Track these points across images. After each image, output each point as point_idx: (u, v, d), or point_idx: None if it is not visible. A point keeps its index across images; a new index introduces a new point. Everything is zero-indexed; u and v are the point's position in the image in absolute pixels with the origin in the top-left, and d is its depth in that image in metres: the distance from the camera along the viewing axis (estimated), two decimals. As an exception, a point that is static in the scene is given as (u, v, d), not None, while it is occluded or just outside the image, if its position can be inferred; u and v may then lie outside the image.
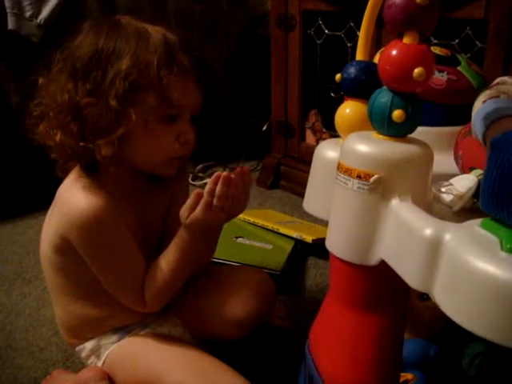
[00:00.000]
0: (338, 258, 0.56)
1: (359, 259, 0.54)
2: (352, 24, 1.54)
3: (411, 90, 0.51)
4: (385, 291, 0.55)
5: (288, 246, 1.32)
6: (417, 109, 0.52)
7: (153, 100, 0.76)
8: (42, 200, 0.93)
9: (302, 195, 1.69)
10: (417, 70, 0.49)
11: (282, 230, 1.37)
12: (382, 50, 0.92)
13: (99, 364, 0.88)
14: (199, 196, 0.78)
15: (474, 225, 0.45)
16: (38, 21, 1.53)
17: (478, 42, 1.27)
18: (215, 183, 0.77)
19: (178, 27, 1.75)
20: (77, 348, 0.91)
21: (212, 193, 0.77)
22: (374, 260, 0.53)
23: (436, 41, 1.31)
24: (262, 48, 1.95)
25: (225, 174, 0.77)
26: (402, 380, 0.77)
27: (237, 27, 2.04)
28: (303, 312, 1.07)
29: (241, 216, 1.41)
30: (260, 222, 1.41)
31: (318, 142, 1.77)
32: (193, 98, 0.81)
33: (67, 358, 0.99)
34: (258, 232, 1.38)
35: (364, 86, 0.65)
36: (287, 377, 0.87)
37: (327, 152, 0.67)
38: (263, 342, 1.00)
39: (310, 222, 1.48)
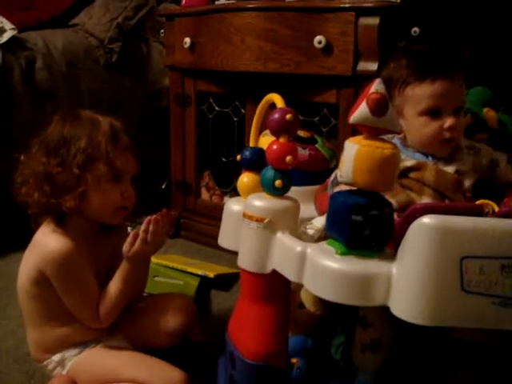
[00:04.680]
0: (245, 270, 0.88)
1: (259, 270, 0.86)
2: (237, 103, 1.86)
3: (285, 168, 0.85)
4: (275, 289, 0.87)
5: (195, 282, 1.61)
6: (289, 179, 0.86)
7: (103, 167, 1.08)
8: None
9: (199, 242, 2.02)
10: (288, 158, 0.83)
11: (189, 269, 1.66)
12: (263, 133, 1.28)
13: (64, 372, 1.13)
14: (136, 235, 1.10)
15: (323, 243, 0.80)
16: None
17: (333, 119, 1.63)
18: (148, 224, 1.09)
19: (91, 103, 2.05)
20: (45, 362, 1.15)
21: (146, 231, 1.09)
22: (268, 269, 0.85)
23: (303, 117, 1.69)
24: (158, 118, 2.25)
25: (154, 217, 1.10)
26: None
27: (138, 101, 2.32)
28: (212, 330, 1.35)
29: (154, 261, 1.68)
30: (170, 264, 1.70)
31: (211, 198, 2.06)
32: (131, 165, 1.13)
33: (30, 378, 1.20)
34: (170, 272, 1.67)
35: (255, 163, 0.98)
36: (208, 372, 1.12)
37: (233, 206, 0.98)
38: (188, 352, 1.26)
39: (209, 263, 1.79)
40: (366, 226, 0.72)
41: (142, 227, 1.10)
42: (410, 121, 1.05)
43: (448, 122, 1.02)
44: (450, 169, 1.03)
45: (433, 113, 1.03)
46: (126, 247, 1.10)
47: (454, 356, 1.00)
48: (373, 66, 1.47)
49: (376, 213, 0.73)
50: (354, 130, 1.42)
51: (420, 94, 1.03)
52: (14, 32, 1.89)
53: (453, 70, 1.04)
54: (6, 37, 1.83)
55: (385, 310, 0.74)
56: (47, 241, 1.08)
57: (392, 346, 1.01)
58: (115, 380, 1.07)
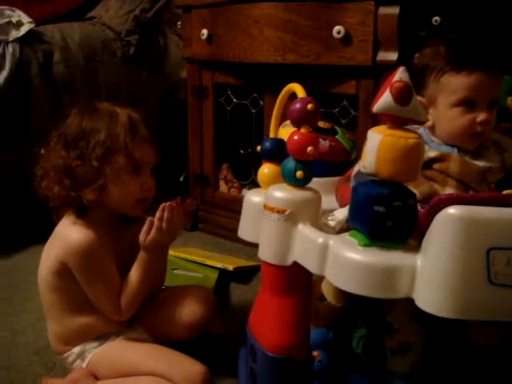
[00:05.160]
0: (267, 263, 0.87)
1: (280, 262, 0.85)
2: (255, 95, 1.85)
3: (307, 159, 0.84)
4: (296, 281, 0.87)
5: (214, 275, 1.60)
6: (311, 170, 0.85)
7: (122, 159, 1.07)
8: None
9: (217, 235, 2.01)
10: (309, 149, 0.82)
11: (208, 262, 1.66)
12: (283, 124, 1.27)
13: (83, 365, 1.13)
14: (151, 223, 1.09)
15: (345, 235, 0.79)
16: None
17: (352, 111, 1.62)
18: (163, 211, 1.09)
19: (109, 96, 2.05)
20: (65, 354, 1.15)
21: (161, 219, 1.08)
22: (289, 261, 0.84)
23: (322, 109, 1.69)
24: (175, 111, 2.26)
25: (168, 204, 1.09)
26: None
27: (155, 94, 2.31)
28: (231, 322, 1.35)
29: (173, 253, 1.68)
30: (189, 257, 1.70)
31: (229, 190, 2.06)
32: (150, 156, 1.13)
33: (50, 371, 1.21)
34: (189, 265, 1.67)
35: (275, 154, 0.98)
36: (228, 365, 1.15)
37: (253, 198, 0.98)
38: (207, 344, 1.26)
39: (227, 256, 1.79)
40: (388, 217, 0.71)
41: (157, 215, 1.09)
42: (441, 111, 1.03)
43: (481, 116, 0.99)
44: (478, 164, 1.01)
45: (467, 104, 1.00)
46: (141, 236, 1.10)
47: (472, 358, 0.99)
48: (393, 56, 1.45)
49: (399, 204, 0.71)
50: (374, 122, 1.41)
51: (456, 84, 1.00)
52: (32, 25, 1.89)
53: (493, 63, 1.01)
54: (23, 30, 1.84)
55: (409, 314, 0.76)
56: (69, 232, 1.09)
57: (423, 351, 1.00)
58: (134, 373, 1.07)
